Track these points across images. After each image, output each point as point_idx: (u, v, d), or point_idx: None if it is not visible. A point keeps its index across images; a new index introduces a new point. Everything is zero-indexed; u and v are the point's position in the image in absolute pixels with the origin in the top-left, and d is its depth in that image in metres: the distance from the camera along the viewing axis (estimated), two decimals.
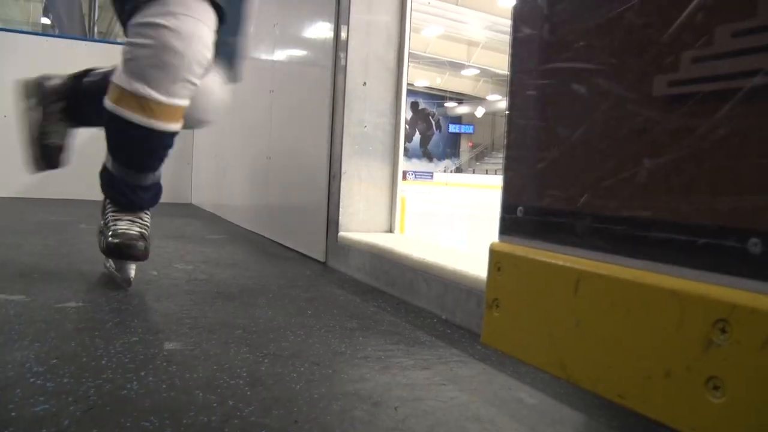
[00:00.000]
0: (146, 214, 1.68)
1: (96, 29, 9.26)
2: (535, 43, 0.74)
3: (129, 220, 1.64)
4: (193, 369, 0.97)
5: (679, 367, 0.53)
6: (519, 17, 0.77)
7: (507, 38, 0.79)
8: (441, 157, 48.84)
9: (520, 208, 0.75)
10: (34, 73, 1.84)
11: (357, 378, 0.98)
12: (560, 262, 0.67)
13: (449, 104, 48.17)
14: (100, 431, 0.73)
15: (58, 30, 9.11)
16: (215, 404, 0.84)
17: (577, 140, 0.67)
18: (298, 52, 2.61)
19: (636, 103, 0.60)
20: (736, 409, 0.48)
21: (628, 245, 0.60)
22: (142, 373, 0.93)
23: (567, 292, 0.65)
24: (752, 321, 0.47)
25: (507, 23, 0.80)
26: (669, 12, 0.57)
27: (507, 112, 0.79)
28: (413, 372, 1.03)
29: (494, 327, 0.77)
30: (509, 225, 0.77)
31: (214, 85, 1.67)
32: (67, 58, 4.01)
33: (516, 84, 0.77)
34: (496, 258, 0.78)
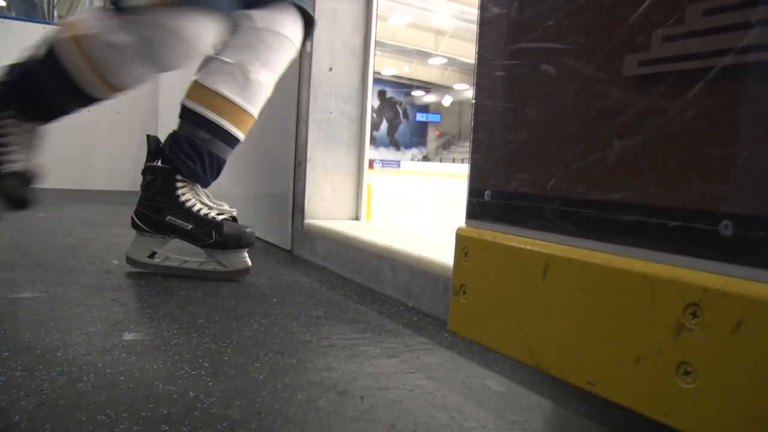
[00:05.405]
0: None
1: (56, 12, 9.02)
2: (503, 22, 0.72)
3: (212, 200, 1.63)
4: (153, 360, 0.94)
5: (650, 353, 0.52)
6: None
7: (474, 27, 0.77)
8: (408, 146, 48.88)
9: (487, 192, 0.73)
10: None
11: (322, 367, 0.96)
12: (528, 247, 0.66)
13: (416, 93, 48.18)
14: (53, 426, 0.70)
15: (15, 12, 8.86)
16: (176, 396, 0.81)
17: (545, 122, 0.66)
18: None
19: (606, 83, 0.59)
20: (707, 395, 0.47)
21: (597, 229, 0.59)
22: (100, 365, 0.90)
23: (535, 277, 0.64)
24: (724, 305, 0.46)
25: (474, 12, 0.78)
26: None
27: (474, 94, 0.77)
28: (379, 360, 1.01)
29: (461, 314, 0.76)
30: (476, 209, 0.75)
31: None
32: (23, 41, 3.87)
33: (483, 65, 0.75)
34: (462, 243, 0.76)
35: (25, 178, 1.46)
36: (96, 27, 1.38)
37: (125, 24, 1.36)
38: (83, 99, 1.44)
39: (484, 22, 0.75)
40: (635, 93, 0.56)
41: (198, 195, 1.60)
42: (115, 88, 1.44)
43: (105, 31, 1.37)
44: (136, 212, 1.60)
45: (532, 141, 0.67)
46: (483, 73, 0.75)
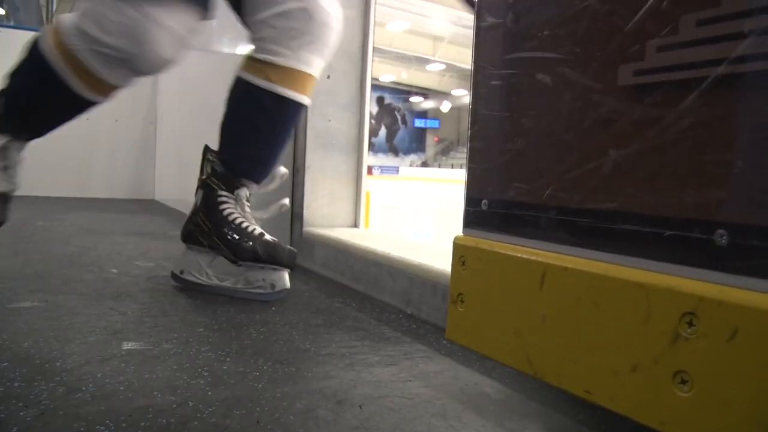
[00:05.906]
0: None
1: (54, 20, 9.02)
2: (500, 32, 0.73)
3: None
4: (152, 369, 0.94)
5: (647, 361, 0.52)
6: (483, 5, 0.75)
7: (472, 33, 0.78)
8: (407, 152, 48.95)
9: (484, 201, 0.74)
10: None
11: (321, 375, 0.97)
12: (525, 256, 0.66)
13: (415, 99, 48.25)
14: None
15: (14, 20, 8.86)
16: (175, 405, 0.81)
17: (541, 131, 0.66)
18: None
19: (601, 93, 0.59)
20: (703, 403, 0.47)
21: (594, 238, 0.59)
22: (99, 375, 0.90)
23: (532, 286, 0.64)
24: (719, 314, 0.47)
25: (472, 18, 0.78)
26: (634, 0, 0.56)
27: (470, 102, 0.77)
28: (378, 368, 1.01)
29: (459, 322, 0.76)
30: (473, 218, 0.76)
31: None
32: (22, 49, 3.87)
33: (480, 74, 0.76)
34: (460, 252, 0.77)
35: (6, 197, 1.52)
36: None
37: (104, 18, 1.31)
38: (73, 102, 1.42)
39: (480, 32, 0.76)
40: (630, 102, 0.56)
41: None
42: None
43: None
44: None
45: (529, 150, 0.68)
46: (479, 82, 0.76)
